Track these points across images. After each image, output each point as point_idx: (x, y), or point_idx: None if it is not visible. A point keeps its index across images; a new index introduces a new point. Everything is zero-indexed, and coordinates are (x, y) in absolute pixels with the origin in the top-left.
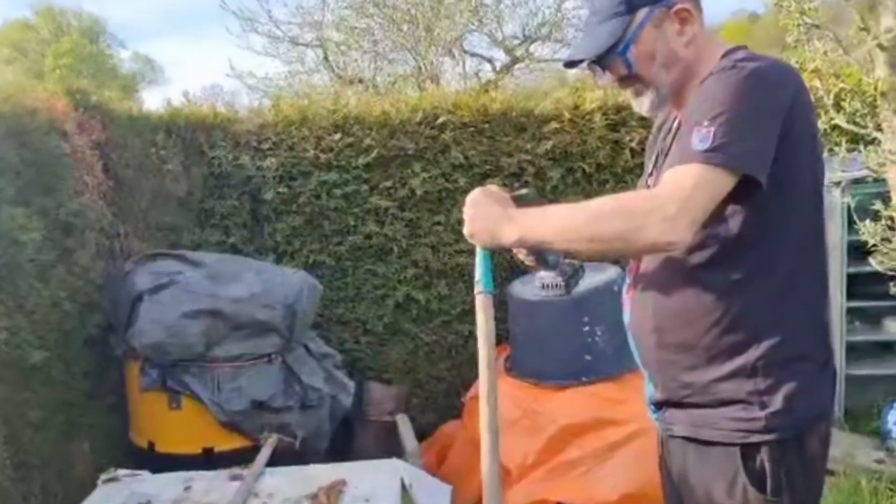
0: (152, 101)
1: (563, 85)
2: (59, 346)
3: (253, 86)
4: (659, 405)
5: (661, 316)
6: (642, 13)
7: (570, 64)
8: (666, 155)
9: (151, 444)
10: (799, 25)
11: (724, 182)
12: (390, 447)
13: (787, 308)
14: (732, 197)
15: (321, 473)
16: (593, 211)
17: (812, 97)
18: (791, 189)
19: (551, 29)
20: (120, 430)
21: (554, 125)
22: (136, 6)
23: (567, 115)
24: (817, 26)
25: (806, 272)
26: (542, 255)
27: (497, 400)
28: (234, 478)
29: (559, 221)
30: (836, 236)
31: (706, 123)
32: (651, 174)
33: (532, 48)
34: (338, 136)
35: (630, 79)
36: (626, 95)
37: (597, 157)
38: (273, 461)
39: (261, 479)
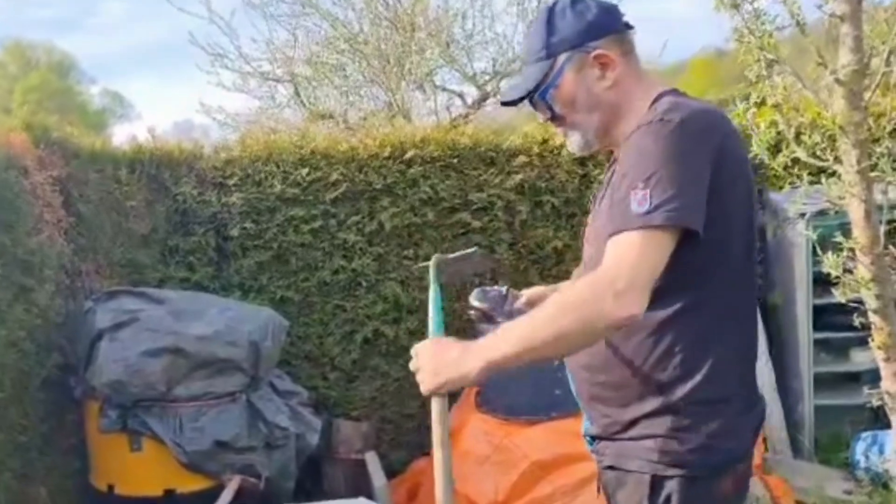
0: (122, 136)
1: (533, 119)
2: (16, 387)
3: (223, 121)
4: (593, 438)
5: (591, 354)
6: (562, 58)
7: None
8: (601, 202)
9: (111, 487)
10: (759, 60)
11: (667, 241)
12: (359, 485)
13: (713, 350)
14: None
15: None
16: (547, 315)
17: (738, 140)
18: (720, 232)
19: (522, 65)
20: (79, 472)
21: (522, 159)
22: (107, 42)
23: (536, 150)
24: (776, 61)
25: (733, 315)
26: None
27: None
28: None
29: (517, 335)
30: (801, 268)
31: (641, 185)
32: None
33: (503, 84)
34: (305, 171)
35: (556, 120)
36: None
37: (566, 191)
38: (238, 502)
39: None
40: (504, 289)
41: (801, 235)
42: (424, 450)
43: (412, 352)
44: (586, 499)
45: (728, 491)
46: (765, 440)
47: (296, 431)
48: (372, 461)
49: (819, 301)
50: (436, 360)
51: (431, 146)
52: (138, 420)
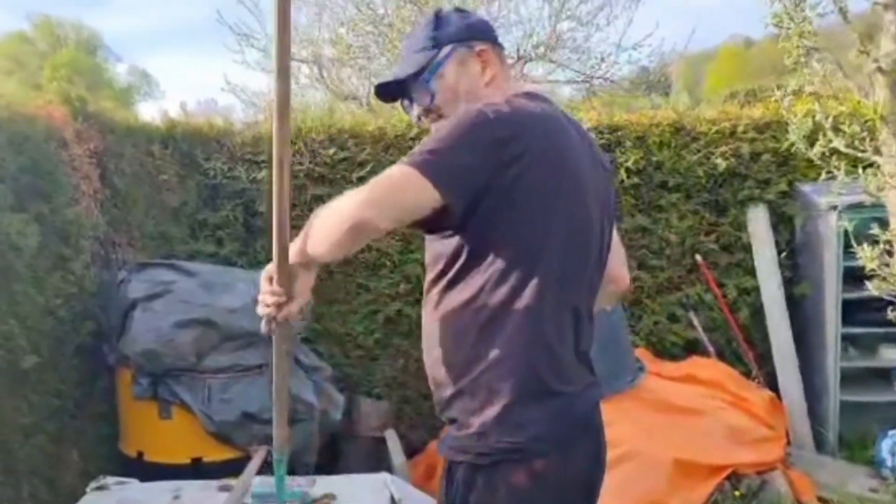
0: (147, 114)
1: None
2: (52, 352)
3: (247, 100)
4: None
5: (424, 332)
6: (446, 49)
7: (381, 92)
8: None
9: (140, 453)
10: (798, 48)
11: (415, 182)
12: (378, 463)
13: (500, 336)
14: (446, 218)
15: (310, 487)
16: (323, 215)
17: (564, 144)
18: (519, 228)
19: (546, 49)
20: (109, 438)
21: None
22: (134, 20)
23: None
24: (816, 49)
25: (536, 307)
26: None
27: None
28: (223, 488)
29: (308, 235)
30: (831, 262)
31: (418, 146)
32: None
33: (526, 68)
34: (333, 151)
35: (430, 113)
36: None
37: None
38: (261, 473)
39: (250, 490)
40: None
41: (830, 228)
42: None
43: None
44: (605, 485)
45: (520, 484)
46: (787, 434)
47: (320, 407)
48: (391, 439)
49: (848, 295)
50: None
51: None
52: (168, 389)
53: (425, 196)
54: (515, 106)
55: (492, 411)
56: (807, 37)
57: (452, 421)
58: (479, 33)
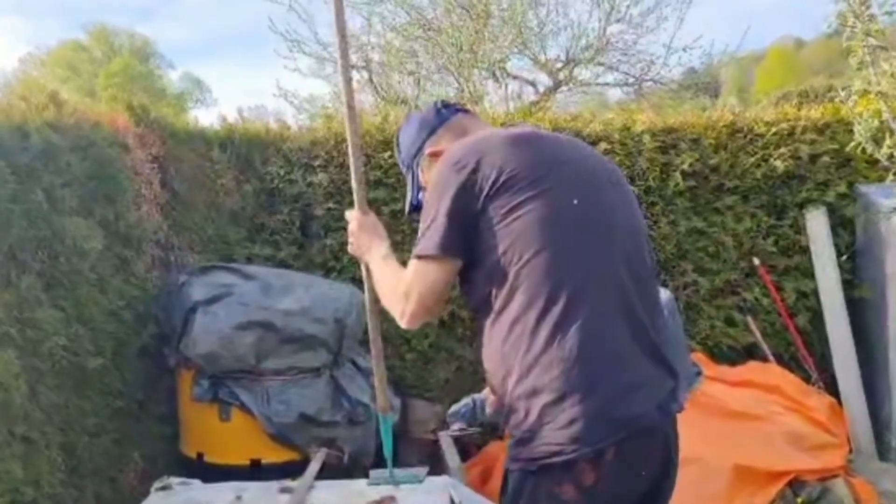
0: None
1: (604, 108)
2: (115, 354)
3: (298, 105)
4: None
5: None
6: (415, 165)
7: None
8: None
9: (200, 455)
10: (864, 47)
11: (434, 267)
12: (432, 466)
13: (521, 349)
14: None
15: (370, 489)
16: (382, 281)
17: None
18: (509, 248)
19: (595, 53)
20: (170, 439)
21: (604, 146)
22: (186, 29)
23: (617, 136)
24: (884, 48)
25: (552, 311)
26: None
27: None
28: (284, 490)
29: (377, 269)
30: (893, 263)
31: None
32: None
33: (575, 72)
34: (387, 154)
35: None
36: None
37: (646, 180)
38: (320, 476)
39: (311, 492)
40: (471, 402)
41: (892, 230)
42: (498, 433)
43: (347, 216)
44: None
45: (565, 494)
46: (849, 440)
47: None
48: (446, 442)
49: None
50: (355, 236)
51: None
52: (228, 391)
53: (448, 269)
54: (468, 141)
55: (532, 417)
56: (874, 35)
57: (511, 437)
58: (424, 135)
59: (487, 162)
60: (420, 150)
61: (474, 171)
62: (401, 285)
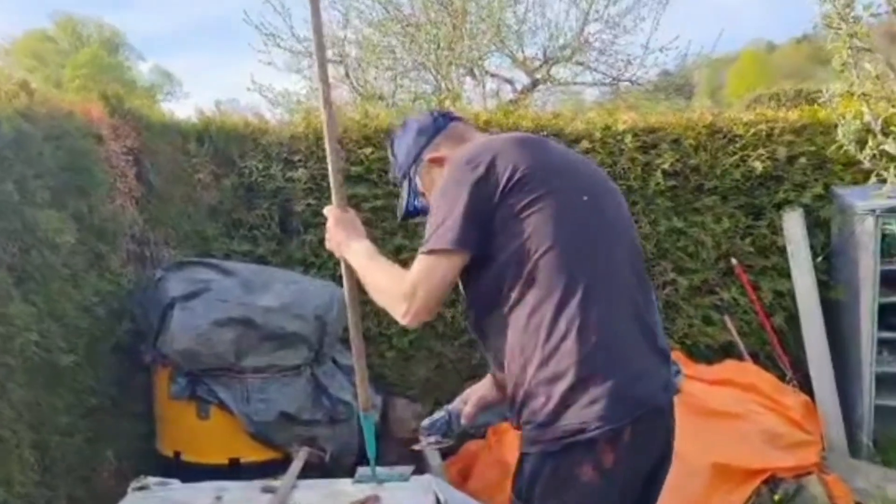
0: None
1: (581, 108)
2: (89, 351)
3: (273, 100)
4: None
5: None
6: (412, 171)
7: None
8: None
9: (178, 454)
10: (849, 48)
11: (442, 262)
12: (413, 465)
13: (541, 338)
14: (474, 259)
15: (353, 488)
16: (375, 277)
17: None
18: (525, 242)
19: (573, 52)
20: (146, 438)
21: (585, 144)
22: (156, 19)
23: (598, 135)
24: (868, 50)
25: (565, 301)
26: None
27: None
28: (266, 489)
29: (361, 265)
30: (868, 265)
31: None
32: None
33: (553, 71)
34: (369, 150)
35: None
36: None
37: (627, 179)
38: (302, 475)
39: (293, 492)
40: (446, 414)
41: (867, 232)
42: (481, 433)
43: (325, 211)
44: None
45: (584, 475)
46: (822, 438)
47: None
48: None
49: (884, 300)
50: (332, 232)
51: (493, 129)
52: (206, 388)
53: (456, 265)
54: (478, 142)
55: (553, 401)
56: (859, 36)
57: (526, 424)
58: (423, 142)
59: (501, 160)
60: (419, 156)
61: (489, 168)
62: (404, 283)
